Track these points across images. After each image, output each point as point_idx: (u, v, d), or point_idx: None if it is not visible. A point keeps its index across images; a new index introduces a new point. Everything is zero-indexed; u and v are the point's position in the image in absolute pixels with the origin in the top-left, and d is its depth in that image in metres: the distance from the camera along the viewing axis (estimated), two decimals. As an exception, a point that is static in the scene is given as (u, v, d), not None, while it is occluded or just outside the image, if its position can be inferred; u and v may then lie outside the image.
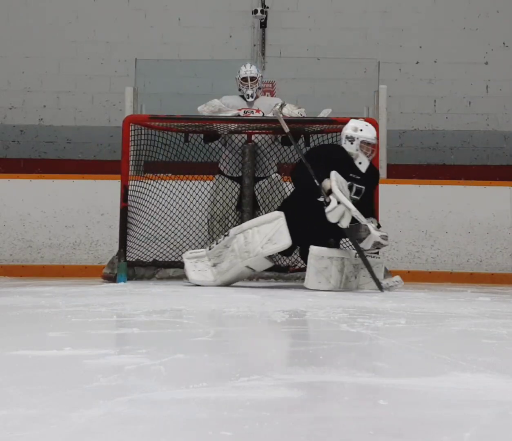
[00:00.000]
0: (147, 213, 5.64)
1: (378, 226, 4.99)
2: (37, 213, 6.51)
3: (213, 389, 1.50)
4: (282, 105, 5.80)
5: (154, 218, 5.67)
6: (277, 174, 5.96)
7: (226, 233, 4.92)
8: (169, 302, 3.55)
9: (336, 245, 5.05)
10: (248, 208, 5.83)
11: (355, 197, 4.89)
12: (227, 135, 5.90)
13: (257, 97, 6.01)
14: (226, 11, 8.89)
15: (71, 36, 8.81)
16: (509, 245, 6.53)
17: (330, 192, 4.67)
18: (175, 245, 5.76)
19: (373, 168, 5.13)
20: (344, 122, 5.56)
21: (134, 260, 5.49)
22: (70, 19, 8.83)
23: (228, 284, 4.88)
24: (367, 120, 5.80)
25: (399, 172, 7.39)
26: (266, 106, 5.94)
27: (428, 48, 8.84)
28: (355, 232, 4.76)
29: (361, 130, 5.01)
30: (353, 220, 4.72)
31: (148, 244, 5.63)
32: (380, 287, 4.75)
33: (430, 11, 8.87)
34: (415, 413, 1.36)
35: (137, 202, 5.54)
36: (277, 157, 5.99)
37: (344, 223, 4.69)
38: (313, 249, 4.68)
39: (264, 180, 5.93)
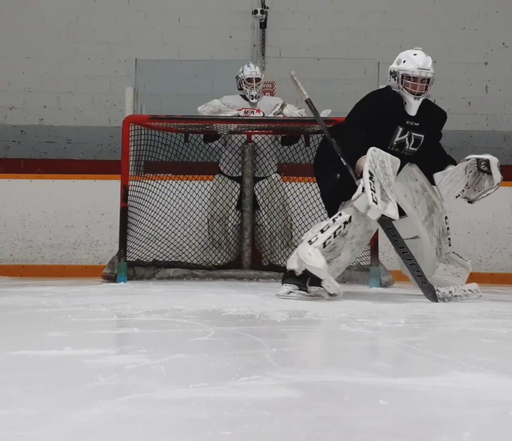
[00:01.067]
0: (147, 213, 5.65)
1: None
2: (37, 213, 6.51)
3: (213, 389, 1.50)
4: (283, 105, 5.81)
5: (154, 218, 5.67)
6: (277, 174, 5.96)
7: (346, 219, 3.92)
8: (169, 302, 3.56)
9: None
10: (248, 208, 5.84)
11: (412, 149, 4.18)
12: (227, 135, 5.90)
13: (258, 97, 6.02)
14: (226, 12, 8.89)
15: (71, 37, 8.81)
16: (509, 245, 6.53)
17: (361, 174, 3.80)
18: (175, 245, 5.76)
19: (433, 109, 4.34)
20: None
21: (134, 260, 5.49)
22: (70, 20, 8.83)
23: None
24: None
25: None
26: (266, 106, 5.94)
27: (428, 49, 8.78)
28: (388, 229, 4.01)
29: (404, 61, 4.19)
30: (401, 211, 4.03)
31: (148, 244, 5.63)
32: (433, 297, 3.90)
33: (429, 11, 8.87)
34: (415, 413, 1.36)
35: (137, 202, 5.54)
36: (277, 157, 5.99)
37: (372, 216, 3.80)
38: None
39: (264, 180, 5.93)
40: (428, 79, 4.15)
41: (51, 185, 6.58)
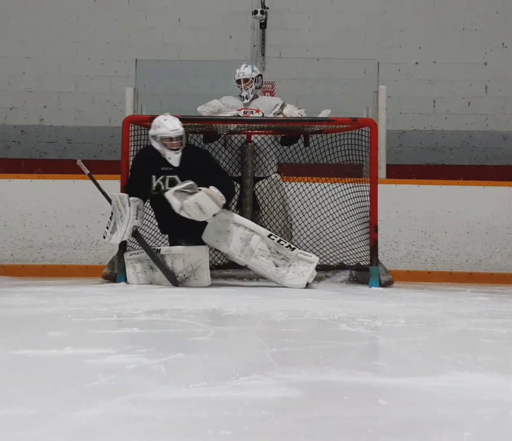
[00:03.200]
0: (147, 213, 5.64)
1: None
2: (37, 213, 6.51)
3: (213, 389, 1.50)
4: (283, 106, 5.80)
5: (154, 217, 5.67)
6: (276, 174, 5.96)
7: (158, 249, 5.01)
8: (169, 302, 3.56)
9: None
10: (247, 208, 5.84)
11: (170, 188, 4.95)
12: (227, 135, 5.90)
13: (256, 97, 6.01)
14: (226, 12, 8.89)
15: (71, 37, 8.81)
16: (508, 245, 6.54)
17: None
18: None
19: (191, 154, 5.12)
20: (343, 122, 5.57)
21: (134, 260, 5.49)
22: (70, 20, 8.84)
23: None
24: (367, 120, 5.82)
25: (398, 172, 7.39)
26: (266, 106, 5.94)
27: (428, 49, 8.84)
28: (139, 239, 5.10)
29: (158, 126, 5.02)
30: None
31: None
32: (174, 281, 4.88)
33: (429, 12, 8.87)
34: (415, 413, 1.36)
35: (137, 202, 5.54)
36: (276, 157, 5.99)
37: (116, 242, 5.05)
38: (221, 213, 4.88)
39: (263, 180, 5.93)
40: (181, 136, 5.04)
41: (51, 185, 6.58)
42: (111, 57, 8.81)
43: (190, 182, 4.83)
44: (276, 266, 4.95)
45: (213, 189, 4.82)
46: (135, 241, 5.08)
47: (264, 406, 1.36)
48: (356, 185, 5.60)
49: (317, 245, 5.81)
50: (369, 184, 5.38)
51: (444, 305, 3.83)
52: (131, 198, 4.98)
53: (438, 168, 8.53)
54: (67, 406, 1.35)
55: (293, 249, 4.99)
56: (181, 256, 4.91)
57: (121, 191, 5.32)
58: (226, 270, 5.75)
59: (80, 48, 8.83)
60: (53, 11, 8.81)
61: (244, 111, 5.87)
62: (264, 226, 5.90)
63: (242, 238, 4.92)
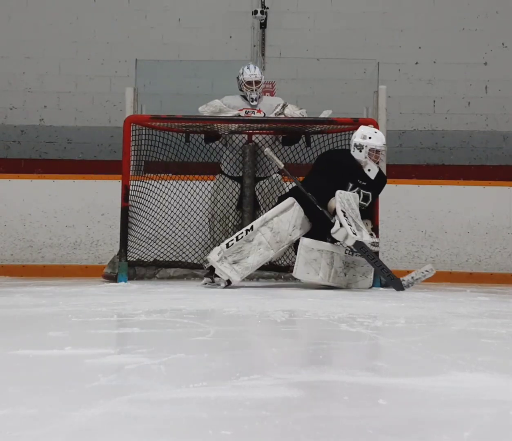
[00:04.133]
0: (148, 213, 5.65)
1: (373, 230, 5.13)
2: (37, 213, 6.51)
3: (213, 389, 1.50)
4: (284, 106, 5.80)
5: (155, 218, 5.67)
6: (277, 174, 5.96)
7: (249, 228, 4.91)
8: (169, 302, 3.56)
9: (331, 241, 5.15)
10: (248, 208, 5.84)
11: (363, 203, 5.06)
12: (228, 135, 5.90)
13: (259, 98, 6.01)
14: (226, 12, 8.89)
15: (71, 37, 8.81)
16: (508, 245, 6.54)
17: (335, 212, 4.80)
18: (175, 245, 5.77)
19: (381, 174, 5.23)
20: (344, 122, 5.57)
21: (134, 260, 5.50)
22: (70, 20, 8.83)
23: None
24: (367, 120, 5.81)
25: (398, 172, 7.39)
26: (267, 106, 5.94)
27: (428, 49, 8.84)
28: (361, 248, 4.92)
29: (369, 137, 5.08)
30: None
31: (148, 244, 5.64)
32: (400, 287, 4.93)
33: (429, 11, 8.87)
34: (415, 413, 1.36)
35: (138, 202, 5.55)
36: (277, 157, 5.99)
37: (350, 243, 4.82)
38: (304, 240, 4.85)
39: (264, 180, 5.93)
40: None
41: (51, 185, 6.58)
42: (111, 57, 8.80)
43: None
44: (345, 275, 5.05)
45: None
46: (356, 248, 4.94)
47: (264, 406, 1.36)
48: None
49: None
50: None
51: (444, 305, 3.83)
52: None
53: (438, 168, 8.53)
54: (67, 406, 1.35)
55: (352, 253, 5.12)
56: (275, 218, 4.92)
57: (123, 191, 5.27)
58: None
59: (80, 48, 8.83)
60: (53, 11, 8.81)
61: (246, 111, 5.87)
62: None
63: (328, 263, 4.90)
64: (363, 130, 5.14)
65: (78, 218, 6.54)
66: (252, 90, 5.91)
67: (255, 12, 8.73)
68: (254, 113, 5.87)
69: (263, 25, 8.84)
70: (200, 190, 5.90)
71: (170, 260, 5.69)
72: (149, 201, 5.66)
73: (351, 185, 5.09)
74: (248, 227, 4.95)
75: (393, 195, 6.44)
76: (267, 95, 7.04)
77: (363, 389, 1.56)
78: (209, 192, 5.94)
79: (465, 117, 8.76)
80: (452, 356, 2.03)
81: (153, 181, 5.72)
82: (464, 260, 6.55)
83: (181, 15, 8.91)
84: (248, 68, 5.98)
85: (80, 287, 4.67)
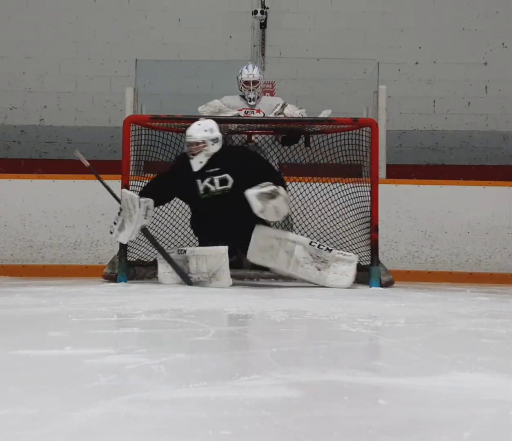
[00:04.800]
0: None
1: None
2: (37, 213, 6.51)
3: (213, 389, 1.50)
4: (284, 106, 5.80)
5: (155, 218, 5.67)
6: (277, 174, 5.96)
7: (183, 250, 5.07)
8: (169, 302, 3.56)
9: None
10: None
11: (224, 187, 5.04)
12: (228, 135, 5.90)
13: (258, 98, 6.01)
14: (226, 12, 8.90)
15: (71, 37, 8.82)
16: (508, 245, 6.53)
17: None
18: (175, 245, 5.76)
19: (234, 154, 5.26)
20: (344, 122, 5.57)
21: (134, 260, 5.49)
22: (70, 20, 8.84)
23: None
24: (367, 120, 5.82)
25: (398, 172, 7.39)
26: (266, 106, 5.94)
27: (428, 49, 8.84)
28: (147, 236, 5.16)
29: (190, 135, 5.09)
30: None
31: (148, 244, 5.63)
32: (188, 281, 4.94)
33: (429, 11, 8.87)
34: (415, 413, 1.36)
35: (137, 202, 5.54)
36: (277, 157, 5.99)
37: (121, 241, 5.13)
38: (260, 228, 4.95)
39: (264, 180, 5.93)
40: (198, 142, 5.10)
41: (51, 185, 6.58)
42: (111, 57, 8.81)
43: (273, 186, 4.83)
44: (319, 269, 4.99)
45: (283, 191, 4.90)
46: (146, 241, 5.17)
47: (264, 406, 1.36)
48: (356, 185, 5.60)
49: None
50: (369, 184, 5.38)
51: (444, 305, 3.83)
52: (142, 199, 5.02)
53: (438, 168, 8.53)
54: (67, 406, 1.35)
55: (331, 250, 5.05)
56: (203, 257, 4.93)
57: (122, 189, 5.30)
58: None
59: (80, 48, 8.83)
60: (53, 11, 8.81)
61: (245, 111, 5.86)
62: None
63: (287, 251, 4.94)
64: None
65: (78, 218, 6.54)
66: (250, 90, 5.91)
67: (255, 12, 8.73)
68: (253, 113, 5.86)
69: (263, 25, 8.85)
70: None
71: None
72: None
73: (199, 180, 5.08)
74: (184, 249, 5.11)
75: (393, 195, 6.43)
76: (267, 95, 7.05)
77: (363, 389, 1.56)
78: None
79: (465, 117, 8.76)
80: (452, 356, 2.03)
81: (153, 181, 5.72)
82: (464, 260, 6.55)
83: (181, 15, 8.91)
84: (246, 68, 5.98)
85: (80, 287, 4.67)
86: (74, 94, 8.77)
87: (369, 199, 5.36)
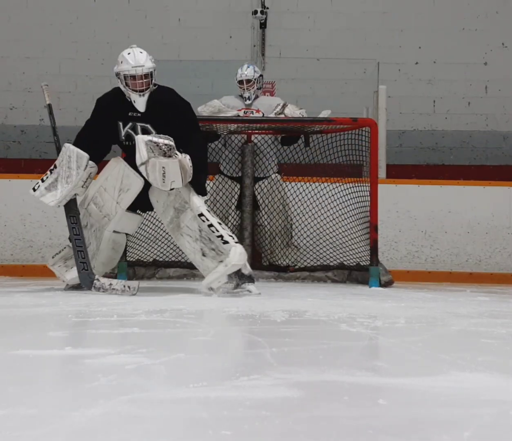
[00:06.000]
0: (148, 213, 5.64)
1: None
2: (37, 213, 6.50)
3: (213, 389, 1.50)
4: (284, 106, 5.81)
5: (155, 218, 5.67)
6: (276, 174, 5.97)
7: (73, 217, 4.28)
8: (169, 302, 3.56)
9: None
10: (248, 207, 5.84)
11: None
12: (227, 135, 5.90)
13: (257, 97, 6.01)
14: (226, 12, 8.89)
15: (71, 37, 8.81)
16: (508, 245, 6.53)
17: None
18: (175, 245, 5.76)
19: (165, 98, 4.38)
20: (343, 122, 5.57)
21: (134, 260, 5.50)
22: (70, 20, 8.84)
23: (110, 266, 4.60)
24: (367, 121, 5.82)
25: (398, 172, 7.39)
26: (266, 107, 5.94)
27: (428, 49, 8.84)
28: (70, 213, 4.32)
29: (121, 62, 4.30)
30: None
31: (148, 244, 5.63)
32: (89, 284, 4.13)
33: (429, 12, 8.87)
34: (415, 412, 1.36)
35: (137, 202, 5.54)
36: (276, 157, 6.00)
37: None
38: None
39: (264, 180, 5.93)
40: (147, 75, 4.28)
41: (51, 185, 6.57)
42: (111, 57, 8.80)
43: (171, 141, 4.03)
44: (203, 255, 4.18)
45: (188, 161, 4.08)
46: (66, 213, 4.31)
47: (264, 406, 1.36)
48: (356, 185, 5.60)
49: (317, 245, 5.81)
50: (369, 184, 5.38)
51: (444, 305, 3.83)
52: (90, 162, 4.27)
53: (438, 168, 8.53)
54: (67, 406, 1.35)
55: (227, 243, 4.13)
56: (100, 188, 4.31)
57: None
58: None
59: (80, 48, 8.83)
60: (53, 11, 8.81)
61: (244, 111, 5.87)
62: (264, 226, 5.90)
63: (176, 207, 4.20)
64: (119, 55, 4.38)
65: (78, 218, 6.53)
66: (244, 89, 5.93)
67: (255, 12, 8.73)
68: (253, 113, 5.87)
69: (263, 25, 8.85)
70: (200, 190, 5.89)
71: (170, 260, 5.69)
72: (149, 201, 5.65)
73: (121, 124, 4.31)
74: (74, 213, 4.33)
75: (393, 195, 6.43)
76: (267, 95, 7.05)
77: (363, 389, 1.56)
78: (208, 192, 5.94)
79: (465, 117, 8.76)
80: (452, 356, 2.03)
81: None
82: (464, 260, 6.55)
83: (181, 15, 8.91)
84: (241, 68, 6.01)
85: (80, 287, 4.66)
86: (74, 94, 8.77)
87: (369, 199, 5.37)
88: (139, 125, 4.27)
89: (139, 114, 4.28)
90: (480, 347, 2.28)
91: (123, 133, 4.31)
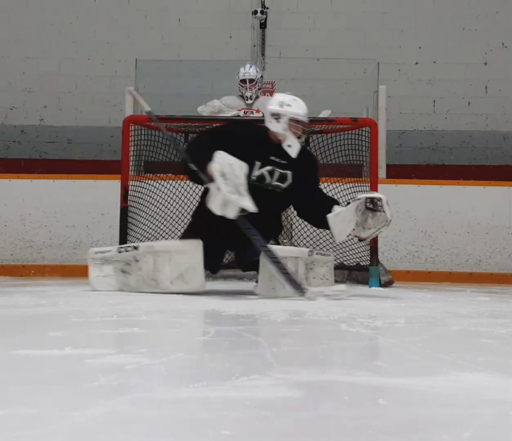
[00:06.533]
0: (147, 213, 5.65)
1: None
2: (37, 213, 6.51)
3: (213, 389, 1.50)
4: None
5: (154, 218, 5.67)
6: (277, 174, 5.96)
7: (136, 246, 4.23)
8: (169, 302, 3.55)
9: (277, 243, 4.51)
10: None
11: (278, 183, 4.23)
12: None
13: (257, 97, 6.02)
14: (226, 12, 8.90)
15: (71, 37, 8.82)
16: (508, 245, 6.54)
17: (211, 178, 3.79)
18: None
19: (307, 153, 4.50)
20: (343, 122, 5.57)
21: (134, 260, 5.49)
22: (70, 20, 8.84)
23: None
24: (367, 120, 5.81)
25: (398, 172, 7.39)
26: (266, 107, 5.94)
27: (428, 49, 8.84)
28: (247, 228, 3.88)
29: (288, 105, 4.25)
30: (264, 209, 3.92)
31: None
32: (300, 292, 3.79)
33: (429, 12, 8.88)
34: (415, 413, 1.36)
35: (137, 202, 5.55)
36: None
37: (230, 214, 3.76)
38: (264, 262, 3.88)
39: (264, 180, 5.93)
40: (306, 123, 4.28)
41: (51, 185, 6.58)
42: (111, 57, 8.81)
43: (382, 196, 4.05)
44: (306, 279, 4.23)
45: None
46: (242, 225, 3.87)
47: (264, 406, 1.36)
48: (356, 185, 5.60)
49: (317, 245, 5.81)
50: (369, 184, 5.38)
51: (444, 305, 3.83)
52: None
53: (438, 168, 8.54)
54: (67, 406, 1.34)
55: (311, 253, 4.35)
56: (167, 254, 4.04)
57: (122, 191, 5.26)
58: (226, 270, 5.75)
59: (80, 48, 8.83)
60: (53, 11, 8.81)
61: (245, 111, 5.87)
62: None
63: (294, 271, 4.02)
64: (279, 96, 4.36)
65: (78, 218, 6.54)
66: (246, 88, 5.94)
67: (255, 12, 8.73)
68: (253, 113, 5.87)
69: (263, 25, 8.85)
70: (200, 190, 5.88)
71: (170, 260, 5.68)
72: (148, 201, 5.66)
73: (258, 163, 4.20)
74: (136, 245, 4.27)
75: (393, 195, 6.41)
76: (267, 95, 7.05)
77: (363, 389, 1.56)
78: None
79: (465, 117, 8.76)
80: (452, 356, 2.03)
81: (152, 181, 5.73)
82: (464, 260, 6.55)
83: (181, 15, 8.91)
84: (243, 67, 6.02)
85: (80, 287, 4.67)
86: (74, 94, 8.77)
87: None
88: (278, 171, 4.23)
89: (282, 161, 4.22)
90: (480, 347, 2.28)
91: (257, 172, 4.19)
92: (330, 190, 5.78)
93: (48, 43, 8.80)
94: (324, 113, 5.57)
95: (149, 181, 5.72)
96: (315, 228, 5.86)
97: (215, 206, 3.76)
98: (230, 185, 3.72)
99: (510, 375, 1.77)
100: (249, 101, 5.94)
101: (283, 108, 4.23)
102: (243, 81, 5.95)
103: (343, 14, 8.89)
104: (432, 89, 8.86)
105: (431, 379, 1.66)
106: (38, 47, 8.78)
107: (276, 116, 4.22)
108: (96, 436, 1.18)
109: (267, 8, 8.82)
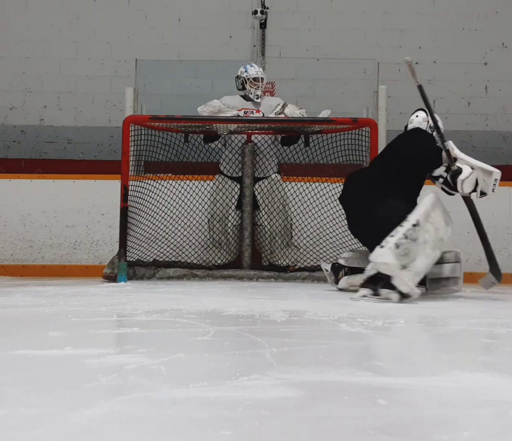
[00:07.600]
0: (147, 213, 5.65)
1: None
2: (37, 213, 6.51)
3: (213, 389, 1.50)
4: (284, 105, 5.81)
5: (154, 218, 5.68)
6: (276, 174, 5.97)
7: (415, 222, 4.02)
8: (169, 302, 3.56)
9: None
10: (248, 208, 5.84)
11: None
12: (227, 135, 5.90)
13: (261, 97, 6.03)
14: (226, 12, 8.89)
15: (71, 37, 8.81)
16: (508, 245, 6.53)
17: (455, 159, 4.67)
18: (175, 245, 5.77)
19: None
20: (343, 122, 5.57)
21: (134, 260, 5.50)
22: (70, 20, 8.83)
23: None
24: (367, 120, 5.81)
25: (399, 172, 7.37)
26: (266, 107, 5.94)
27: (428, 49, 8.84)
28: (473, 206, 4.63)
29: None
30: None
31: (148, 244, 5.64)
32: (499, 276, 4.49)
33: (429, 12, 8.87)
34: (415, 412, 1.36)
35: (138, 202, 5.55)
36: (276, 157, 6.00)
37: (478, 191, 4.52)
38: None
39: (264, 180, 5.93)
40: None
41: (51, 185, 6.58)
42: (111, 57, 8.80)
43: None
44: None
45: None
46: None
47: (264, 406, 1.36)
48: (356, 185, 5.59)
49: (317, 245, 5.81)
50: (369, 184, 5.38)
51: (444, 304, 3.82)
52: None
53: (438, 168, 8.52)
54: (67, 406, 1.35)
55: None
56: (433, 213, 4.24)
57: (122, 191, 5.27)
58: (226, 270, 5.75)
59: (80, 48, 8.82)
60: (53, 11, 8.81)
61: (245, 111, 5.87)
62: (264, 226, 5.91)
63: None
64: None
65: (78, 218, 6.54)
66: (258, 87, 5.93)
67: (255, 12, 8.73)
68: (253, 113, 5.87)
69: (263, 25, 8.84)
70: (200, 190, 5.90)
71: (170, 260, 5.69)
72: (148, 201, 5.67)
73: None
74: (413, 221, 4.01)
75: (393, 195, 6.42)
76: (267, 95, 7.05)
77: (363, 389, 1.56)
78: (208, 192, 5.95)
79: (465, 117, 8.76)
80: (452, 356, 2.03)
81: (152, 181, 5.73)
82: (464, 260, 6.54)
83: (181, 15, 8.91)
84: (252, 66, 6.01)
85: (80, 287, 4.67)
86: (74, 94, 8.76)
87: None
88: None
89: None
90: (480, 347, 2.28)
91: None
92: (330, 190, 5.78)
93: (48, 43, 8.79)
94: (324, 113, 5.57)
95: (149, 181, 5.72)
96: (315, 228, 5.87)
97: (468, 184, 4.50)
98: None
99: (510, 375, 1.77)
100: (259, 100, 5.95)
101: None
102: (256, 79, 5.94)
103: (343, 14, 8.89)
104: (432, 89, 8.85)
105: (431, 379, 1.66)
106: (38, 47, 8.77)
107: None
108: (96, 436, 1.18)
109: (267, 8, 8.81)
